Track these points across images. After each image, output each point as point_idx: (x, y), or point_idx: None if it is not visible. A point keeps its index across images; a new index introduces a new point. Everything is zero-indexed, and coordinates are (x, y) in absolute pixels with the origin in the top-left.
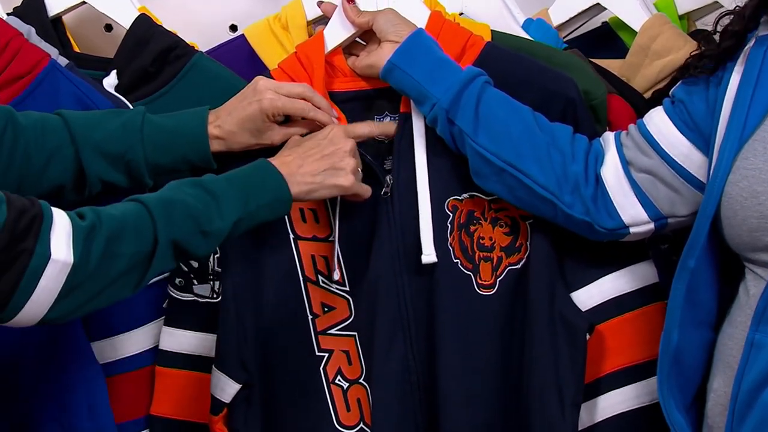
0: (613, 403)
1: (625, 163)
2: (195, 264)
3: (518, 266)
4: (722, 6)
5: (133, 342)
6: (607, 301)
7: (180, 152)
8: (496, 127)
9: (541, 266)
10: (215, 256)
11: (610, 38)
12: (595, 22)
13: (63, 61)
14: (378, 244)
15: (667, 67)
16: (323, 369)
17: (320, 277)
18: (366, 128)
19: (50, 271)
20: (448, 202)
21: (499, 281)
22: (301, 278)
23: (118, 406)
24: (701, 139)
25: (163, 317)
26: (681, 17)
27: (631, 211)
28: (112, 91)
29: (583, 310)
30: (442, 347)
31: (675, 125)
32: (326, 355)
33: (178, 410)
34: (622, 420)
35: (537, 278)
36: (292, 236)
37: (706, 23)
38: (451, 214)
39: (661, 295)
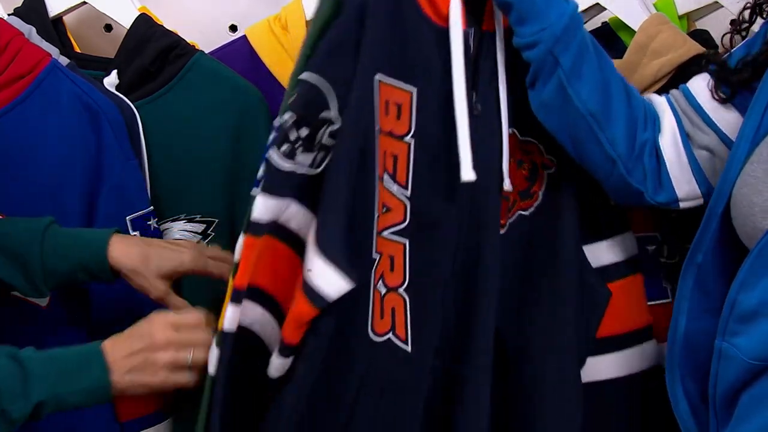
0: (595, 371)
1: (686, 137)
2: (305, 132)
3: (526, 213)
4: (722, 6)
5: None
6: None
7: (78, 257)
8: (595, 76)
9: (548, 219)
10: (329, 128)
11: (610, 38)
12: (595, 22)
13: (64, 60)
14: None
15: (665, 66)
16: (373, 271)
17: (386, 175)
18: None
19: None
20: None
21: (510, 224)
22: (375, 173)
23: (121, 404)
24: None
25: None
26: (681, 17)
27: (686, 187)
28: (113, 90)
29: None
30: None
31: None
32: (378, 257)
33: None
34: (598, 388)
35: (542, 230)
36: (376, 128)
37: (706, 23)
38: None
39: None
